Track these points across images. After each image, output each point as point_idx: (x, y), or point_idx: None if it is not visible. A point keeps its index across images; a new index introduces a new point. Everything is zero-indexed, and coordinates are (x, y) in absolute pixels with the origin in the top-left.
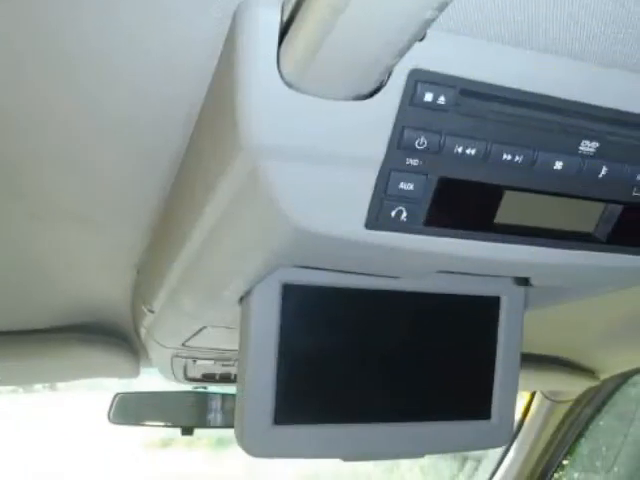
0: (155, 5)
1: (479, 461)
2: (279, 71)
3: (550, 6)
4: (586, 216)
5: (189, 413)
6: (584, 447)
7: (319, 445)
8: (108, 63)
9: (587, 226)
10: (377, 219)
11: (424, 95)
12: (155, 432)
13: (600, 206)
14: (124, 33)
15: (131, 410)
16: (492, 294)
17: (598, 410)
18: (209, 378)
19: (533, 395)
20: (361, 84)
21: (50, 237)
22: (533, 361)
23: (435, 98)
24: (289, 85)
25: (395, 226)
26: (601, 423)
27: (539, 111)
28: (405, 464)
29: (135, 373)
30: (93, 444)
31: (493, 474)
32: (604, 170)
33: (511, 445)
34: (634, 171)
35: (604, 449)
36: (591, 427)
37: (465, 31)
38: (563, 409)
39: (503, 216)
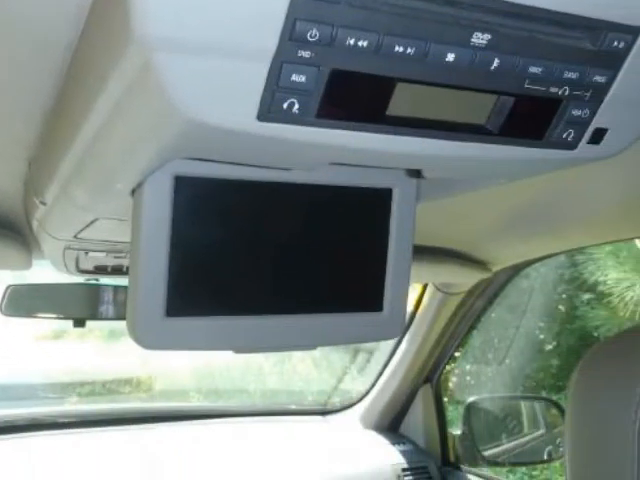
0: None
1: (371, 353)
2: None
3: None
4: (478, 108)
5: (81, 305)
6: (476, 339)
7: (211, 337)
8: None
9: (479, 118)
10: (269, 111)
11: None
12: (47, 324)
13: (492, 98)
14: None
15: (23, 302)
16: (384, 186)
17: (490, 302)
18: (101, 270)
19: (425, 287)
20: None
21: None
22: (425, 253)
23: None
24: None
25: (287, 118)
26: (493, 315)
27: (431, 3)
28: (297, 356)
29: (27, 265)
30: None
31: (385, 366)
32: (496, 62)
33: (403, 337)
34: (526, 63)
35: (496, 341)
36: (483, 319)
37: None
38: (455, 301)
39: (395, 108)
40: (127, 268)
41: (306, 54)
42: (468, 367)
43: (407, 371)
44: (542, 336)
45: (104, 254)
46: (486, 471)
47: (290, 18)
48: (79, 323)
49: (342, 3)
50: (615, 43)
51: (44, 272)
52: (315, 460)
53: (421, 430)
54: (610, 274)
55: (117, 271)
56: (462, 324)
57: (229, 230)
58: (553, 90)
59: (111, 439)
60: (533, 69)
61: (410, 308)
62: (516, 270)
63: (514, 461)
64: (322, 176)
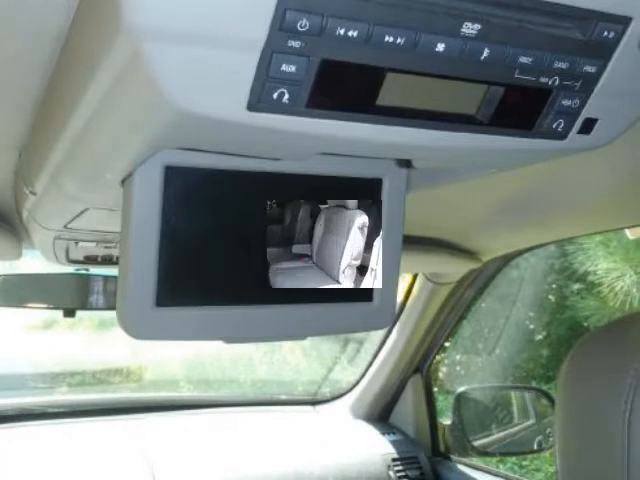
0: None
1: (361, 343)
2: None
3: None
4: (468, 98)
5: (71, 295)
6: (466, 329)
7: (201, 327)
8: None
9: (469, 108)
10: (259, 101)
11: None
12: (37, 314)
13: (482, 88)
14: None
15: (13, 292)
16: (374, 176)
17: (480, 292)
18: (91, 260)
19: (415, 277)
20: None
21: None
22: (415, 243)
23: None
24: None
25: (277, 108)
26: (483, 305)
27: None
28: (287, 346)
29: (17, 255)
30: None
31: (375, 356)
32: (486, 52)
33: (393, 327)
34: (516, 53)
35: (486, 331)
36: (473, 309)
37: None
38: (445, 291)
39: (385, 98)
40: (117, 258)
41: (296, 44)
42: (458, 357)
43: (397, 361)
44: (532, 326)
45: (94, 244)
46: (476, 461)
47: (280, 8)
48: (69, 313)
49: None
50: (605, 33)
51: (34, 262)
52: (305, 450)
53: (411, 420)
54: (600, 264)
55: (107, 261)
56: (452, 314)
57: (219, 220)
58: (543, 80)
59: (101, 429)
60: (523, 59)
61: (400, 298)
62: (506, 260)
63: (504, 451)
64: (312, 166)
